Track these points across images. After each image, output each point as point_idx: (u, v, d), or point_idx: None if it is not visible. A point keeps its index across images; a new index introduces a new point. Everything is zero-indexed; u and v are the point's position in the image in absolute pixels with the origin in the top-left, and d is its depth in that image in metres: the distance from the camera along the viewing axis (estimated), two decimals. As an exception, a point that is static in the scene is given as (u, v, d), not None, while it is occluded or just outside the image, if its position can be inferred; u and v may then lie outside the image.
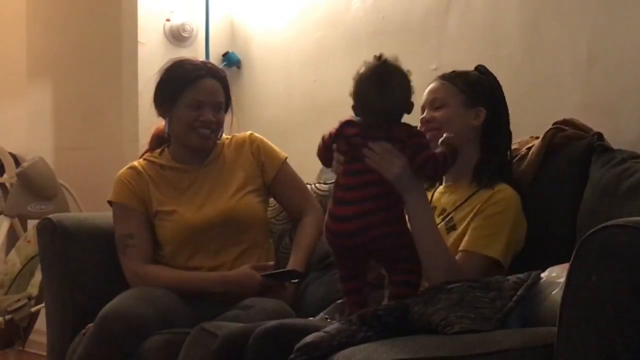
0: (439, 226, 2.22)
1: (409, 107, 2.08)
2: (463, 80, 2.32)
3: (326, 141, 2.12)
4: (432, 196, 2.32)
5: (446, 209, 2.26)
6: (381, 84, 2.04)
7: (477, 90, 2.31)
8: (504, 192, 2.21)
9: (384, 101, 2.04)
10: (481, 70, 2.36)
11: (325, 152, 2.12)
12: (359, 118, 2.08)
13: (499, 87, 2.35)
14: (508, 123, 2.34)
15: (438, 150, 2.09)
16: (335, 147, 2.10)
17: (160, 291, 2.51)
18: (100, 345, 2.38)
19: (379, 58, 2.06)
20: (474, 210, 2.20)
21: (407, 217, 2.10)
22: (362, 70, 2.07)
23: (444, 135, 2.14)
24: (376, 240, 2.02)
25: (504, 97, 2.34)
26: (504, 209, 2.18)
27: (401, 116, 2.09)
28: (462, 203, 2.23)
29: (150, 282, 2.56)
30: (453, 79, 2.33)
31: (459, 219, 2.22)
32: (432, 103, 2.32)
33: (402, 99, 2.06)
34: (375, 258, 2.09)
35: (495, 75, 2.37)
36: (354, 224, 2.01)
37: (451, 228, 2.22)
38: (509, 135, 2.34)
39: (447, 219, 2.24)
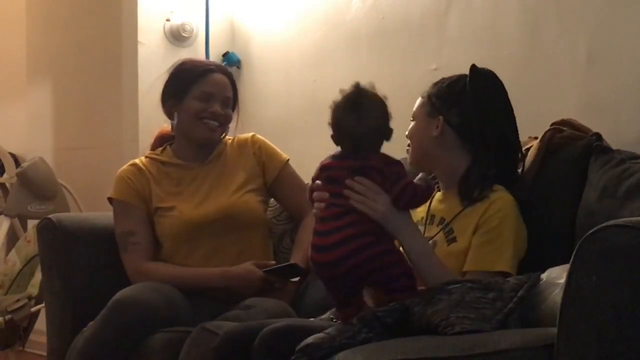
0: (437, 236, 2.20)
1: (386, 134, 2.08)
2: (436, 88, 2.28)
3: (312, 179, 2.13)
4: (430, 204, 2.28)
5: (444, 218, 2.22)
6: (355, 109, 2.05)
7: (441, 97, 2.26)
8: (500, 200, 2.16)
9: (358, 126, 2.04)
10: (472, 70, 2.26)
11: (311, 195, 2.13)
12: (336, 152, 2.09)
13: (481, 88, 2.23)
14: (492, 125, 2.22)
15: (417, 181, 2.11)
16: (315, 185, 2.10)
17: (167, 286, 2.53)
18: (111, 330, 2.38)
19: (355, 85, 2.08)
20: (474, 224, 2.15)
21: (404, 253, 2.09)
22: (338, 99, 2.08)
23: (420, 174, 2.15)
24: (365, 263, 1.99)
25: (482, 99, 2.23)
26: (502, 220, 2.13)
27: (379, 143, 2.09)
28: (460, 212, 2.19)
29: (151, 279, 2.56)
30: (427, 90, 2.30)
31: (459, 230, 2.18)
32: (412, 115, 2.33)
33: (377, 124, 2.06)
34: (369, 282, 2.05)
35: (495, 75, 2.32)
36: (338, 252, 1.99)
37: (452, 240, 2.18)
38: (499, 137, 2.23)
39: (447, 229, 2.20)
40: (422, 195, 2.10)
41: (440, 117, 2.23)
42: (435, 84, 2.30)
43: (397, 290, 2.01)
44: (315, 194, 2.09)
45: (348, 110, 2.06)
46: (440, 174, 2.29)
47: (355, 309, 2.02)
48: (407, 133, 2.31)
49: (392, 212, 2.04)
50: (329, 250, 2.01)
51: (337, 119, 2.07)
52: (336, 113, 2.08)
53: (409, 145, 2.32)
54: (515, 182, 2.25)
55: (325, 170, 2.10)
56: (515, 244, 2.15)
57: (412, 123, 2.31)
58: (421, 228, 2.24)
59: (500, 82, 2.28)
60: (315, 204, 2.09)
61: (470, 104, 2.23)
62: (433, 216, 2.25)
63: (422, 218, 2.27)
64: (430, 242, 2.20)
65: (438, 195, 2.31)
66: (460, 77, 2.28)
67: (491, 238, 2.13)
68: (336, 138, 2.09)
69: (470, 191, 2.18)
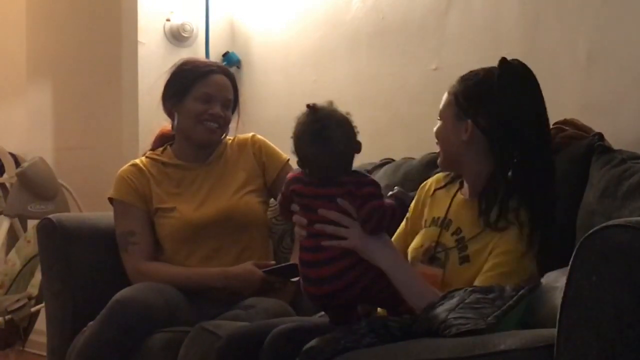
0: (451, 251, 2.09)
1: (354, 150, 1.98)
2: (463, 86, 2.13)
3: (281, 201, 2.04)
4: (450, 204, 2.18)
5: (461, 229, 2.11)
6: (317, 140, 1.94)
7: (469, 98, 2.11)
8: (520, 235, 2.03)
9: (323, 155, 1.94)
10: (501, 65, 2.10)
11: (284, 212, 2.05)
12: (304, 177, 2.00)
13: (512, 86, 2.09)
14: (522, 132, 2.08)
15: (387, 201, 1.99)
16: (293, 207, 2.01)
17: (166, 286, 2.53)
18: (110, 330, 2.39)
19: (312, 110, 1.96)
20: (490, 248, 2.04)
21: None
22: (297, 127, 1.97)
23: (395, 188, 2.06)
24: (358, 295, 1.96)
25: (513, 99, 2.08)
26: (515, 247, 2.02)
27: (348, 163, 2.00)
28: (479, 233, 2.07)
29: (151, 279, 2.57)
30: (454, 87, 2.15)
31: (475, 251, 2.07)
32: (439, 114, 2.20)
33: (343, 147, 1.96)
34: (362, 302, 2.03)
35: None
36: (332, 285, 1.94)
37: (464, 259, 2.07)
38: (532, 146, 2.08)
39: (462, 245, 2.09)
40: (392, 218, 1.98)
41: (470, 121, 2.09)
42: (463, 79, 2.14)
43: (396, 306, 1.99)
44: (295, 217, 2.01)
45: (309, 141, 1.95)
46: (468, 179, 2.17)
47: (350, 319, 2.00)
48: (434, 130, 2.18)
49: (367, 241, 1.95)
50: (324, 284, 1.95)
51: (300, 150, 1.97)
52: (298, 144, 1.97)
53: (438, 144, 2.20)
54: (543, 198, 2.08)
55: (297, 197, 2.00)
56: (524, 273, 2.02)
57: (439, 122, 2.17)
58: (434, 229, 2.16)
59: (533, 76, 2.12)
60: (296, 229, 2.02)
61: (500, 103, 2.08)
62: (450, 221, 2.15)
63: (437, 218, 2.18)
64: (442, 252, 2.11)
65: (460, 198, 2.18)
66: (489, 73, 2.11)
67: (499, 262, 2.02)
68: (302, 167, 1.99)
69: (488, 208, 2.06)
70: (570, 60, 2.67)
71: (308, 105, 1.98)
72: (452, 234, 2.12)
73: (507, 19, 2.86)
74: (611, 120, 2.53)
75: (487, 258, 2.04)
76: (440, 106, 2.18)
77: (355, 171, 2.02)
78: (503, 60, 2.11)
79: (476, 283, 2.00)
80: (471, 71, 2.15)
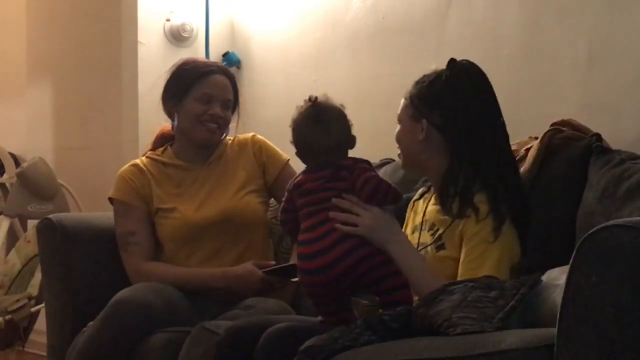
0: (430, 246, 2.17)
1: (350, 142, 2.12)
2: (417, 88, 2.22)
3: (285, 207, 2.15)
4: (426, 208, 2.26)
5: (435, 224, 2.19)
6: (317, 122, 2.09)
7: (423, 99, 2.20)
8: (484, 221, 2.10)
9: (323, 138, 2.08)
10: (450, 65, 2.19)
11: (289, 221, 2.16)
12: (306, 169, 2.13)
13: (461, 84, 2.17)
14: (475, 127, 2.16)
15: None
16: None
17: (167, 286, 2.53)
18: (110, 330, 2.39)
19: (310, 100, 2.11)
20: (459, 234, 2.12)
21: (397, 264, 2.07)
22: (295, 115, 2.12)
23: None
24: (360, 263, 2.01)
25: (463, 96, 2.17)
26: (481, 227, 2.09)
27: (345, 152, 2.12)
28: (450, 224, 2.15)
29: (152, 279, 2.57)
30: (410, 91, 2.24)
31: (446, 236, 2.15)
32: (397, 118, 2.28)
33: (341, 133, 2.10)
34: (361, 284, 2.02)
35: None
36: (334, 253, 2.01)
37: (440, 247, 2.16)
38: (482, 140, 2.16)
39: (437, 236, 2.17)
40: (387, 190, 2.10)
41: (424, 121, 2.19)
42: (417, 83, 2.24)
43: (388, 291, 2.02)
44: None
45: (309, 123, 2.09)
46: (431, 177, 2.27)
47: (344, 316, 2.01)
48: (395, 135, 2.27)
49: (379, 225, 2.05)
50: (324, 254, 2.01)
51: (303, 135, 2.10)
52: (297, 129, 2.11)
53: (399, 148, 2.29)
54: (503, 187, 2.15)
55: (298, 187, 2.11)
56: (501, 249, 2.09)
57: (398, 126, 2.27)
58: (415, 234, 2.24)
59: (482, 73, 2.21)
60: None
61: (451, 102, 2.17)
62: (426, 221, 2.23)
63: (417, 225, 2.26)
64: (422, 249, 2.19)
65: (432, 199, 2.27)
66: (439, 74, 2.20)
67: (472, 246, 2.09)
68: (304, 154, 2.12)
69: (448, 200, 2.14)
70: (570, 60, 2.67)
71: (309, 98, 2.11)
72: (429, 231, 2.21)
73: (507, 19, 2.86)
74: (611, 120, 2.53)
75: (459, 242, 2.12)
76: (398, 111, 2.27)
77: (350, 157, 2.12)
78: (451, 60, 2.21)
79: (460, 273, 2.08)
80: (424, 74, 2.25)
